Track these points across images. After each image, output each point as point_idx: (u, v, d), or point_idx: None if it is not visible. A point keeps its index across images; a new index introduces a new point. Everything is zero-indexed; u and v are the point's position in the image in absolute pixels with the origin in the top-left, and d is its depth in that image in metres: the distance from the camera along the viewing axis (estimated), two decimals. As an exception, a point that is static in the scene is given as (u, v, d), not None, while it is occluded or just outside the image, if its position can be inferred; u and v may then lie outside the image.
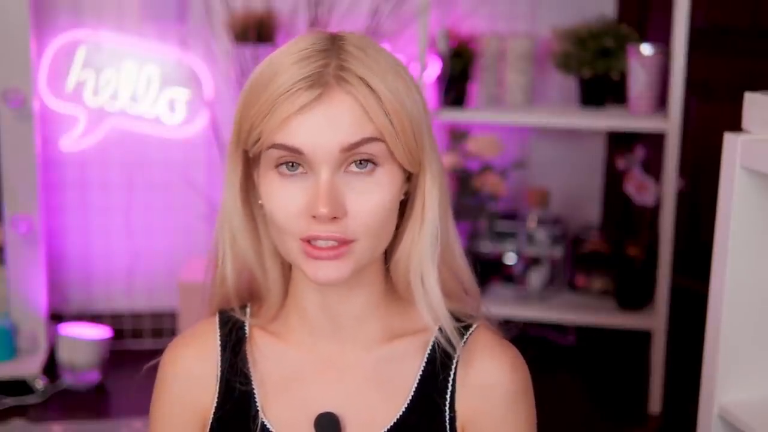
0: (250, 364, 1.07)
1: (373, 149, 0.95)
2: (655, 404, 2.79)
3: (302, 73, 0.94)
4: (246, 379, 1.06)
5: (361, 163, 0.96)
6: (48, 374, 2.89)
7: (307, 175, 0.96)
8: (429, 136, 1.01)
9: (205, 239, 3.24)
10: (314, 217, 0.94)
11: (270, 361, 1.07)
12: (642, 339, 3.02)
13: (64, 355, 2.87)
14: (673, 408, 2.80)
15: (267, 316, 1.09)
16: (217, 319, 1.11)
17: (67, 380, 2.87)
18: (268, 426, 1.04)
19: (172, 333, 3.20)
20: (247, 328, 1.10)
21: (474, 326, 1.07)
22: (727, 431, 1.36)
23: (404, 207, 1.04)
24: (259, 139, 0.97)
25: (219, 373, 1.08)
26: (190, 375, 1.08)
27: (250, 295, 1.12)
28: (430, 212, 1.02)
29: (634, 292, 2.93)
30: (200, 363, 1.08)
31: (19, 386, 2.82)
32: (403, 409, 1.04)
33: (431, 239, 1.02)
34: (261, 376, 1.06)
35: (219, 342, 1.09)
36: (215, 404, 1.07)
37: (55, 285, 3.14)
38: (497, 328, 1.11)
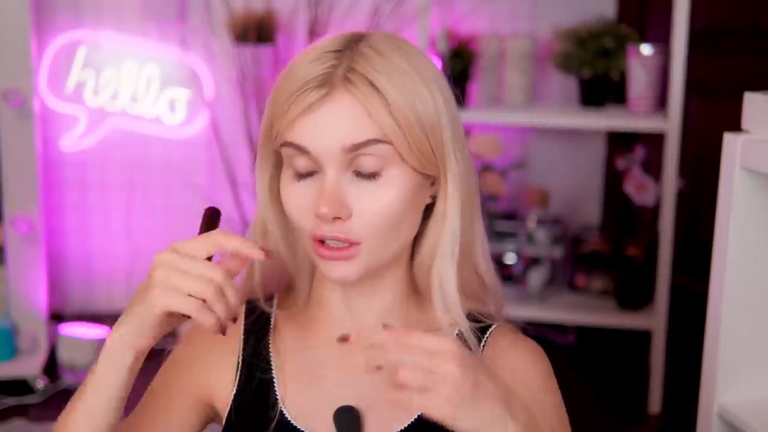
0: (273, 353, 1.09)
1: (380, 151, 0.96)
2: (655, 404, 2.79)
3: (313, 73, 0.96)
4: (267, 367, 1.08)
5: (369, 177, 0.96)
6: (48, 374, 2.89)
7: (318, 175, 0.98)
8: (453, 138, 1.01)
9: (205, 239, 3.23)
10: (318, 216, 0.95)
11: (292, 351, 1.08)
12: (642, 339, 3.01)
13: (64, 355, 2.87)
14: (673, 408, 2.80)
15: (293, 307, 1.10)
16: (243, 308, 1.12)
17: (67, 380, 2.87)
18: (287, 415, 1.05)
19: (171, 333, 3.19)
20: (272, 319, 1.11)
21: (492, 327, 1.07)
22: (727, 431, 1.36)
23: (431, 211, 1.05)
24: (277, 136, 0.99)
25: (240, 360, 1.09)
26: (207, 356, 1.10)
27: (278, 289, 1.13)
28: (451, 215, 1.02)
29: (634, 292, 2.93)
30: (220, 347, 1.09)
31: (19, 386, 2.81)
32: None
33: (451, 242, 1.02)
34: (282, 365, 1.08)
35: (243, 329, 1.11)
36: (234, 391, 1.08)
37: (55, 285, 3.14)
38: (516, 328, 1.11)
